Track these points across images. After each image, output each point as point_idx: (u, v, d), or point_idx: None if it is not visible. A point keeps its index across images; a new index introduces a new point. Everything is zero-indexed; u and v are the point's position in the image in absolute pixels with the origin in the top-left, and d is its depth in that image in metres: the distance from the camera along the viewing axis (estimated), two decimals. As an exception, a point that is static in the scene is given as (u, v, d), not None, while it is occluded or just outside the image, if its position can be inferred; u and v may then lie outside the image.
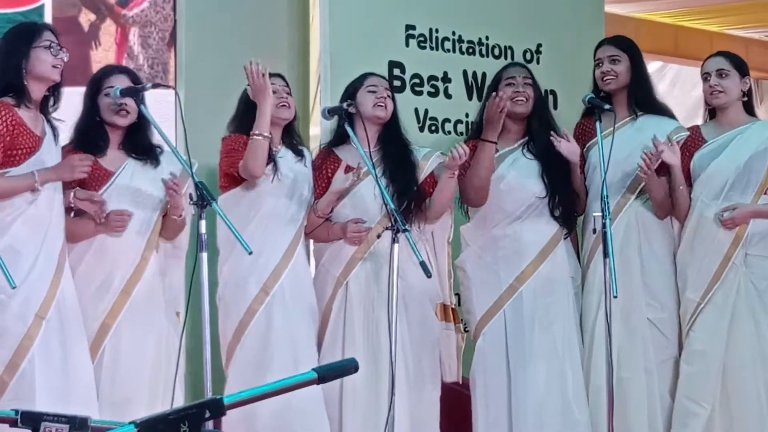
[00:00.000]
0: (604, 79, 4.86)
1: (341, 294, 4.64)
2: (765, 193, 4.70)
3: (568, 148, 4.76)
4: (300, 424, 4.42)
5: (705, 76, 4.81)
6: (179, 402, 4.21)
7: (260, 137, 4.35)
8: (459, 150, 4.50)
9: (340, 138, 4.71)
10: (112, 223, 4.22)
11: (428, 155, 4.81)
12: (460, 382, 4.88)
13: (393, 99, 4.77)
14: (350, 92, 4.73)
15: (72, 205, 4.21)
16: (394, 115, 4.77)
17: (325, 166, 4.73)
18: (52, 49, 4.09)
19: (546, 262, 4.77)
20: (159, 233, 4.40)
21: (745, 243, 4.68)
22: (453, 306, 4.87)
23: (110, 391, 4.20)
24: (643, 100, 4.89)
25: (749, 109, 4.84)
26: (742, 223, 4.67)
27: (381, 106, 4.68)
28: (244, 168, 4.41)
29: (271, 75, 4.61)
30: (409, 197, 4.65)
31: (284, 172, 4.53)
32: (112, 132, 4.37)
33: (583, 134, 4.99)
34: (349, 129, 4.50)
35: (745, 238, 4.67)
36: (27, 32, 4.15)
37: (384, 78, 4.87)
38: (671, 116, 4.96)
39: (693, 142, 4.85)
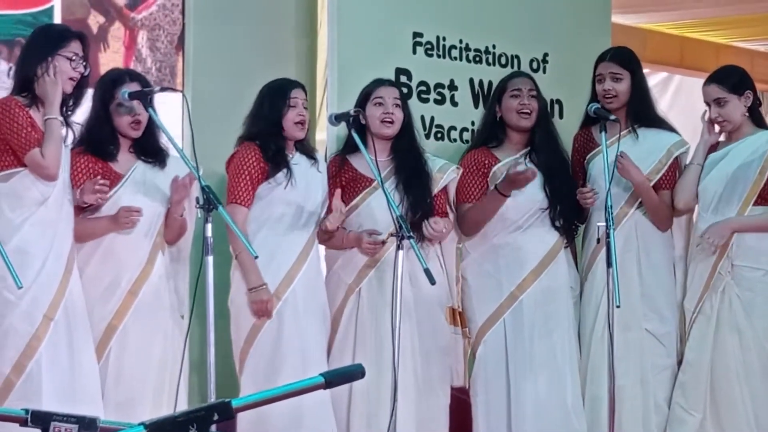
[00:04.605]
0: (606, 97, 4.85)
1: (353, 301, 4.65)
2: (754, 204, 4.72)
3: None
4: (309, 427, 4.43)
5: (707, 104, 4.82)
6: (182, 404, 4.22)
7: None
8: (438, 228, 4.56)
9: (353, 145, 4.66)
10: (121, 220, 4.21)
11: (444, 168, 4.80)
12: (467, 387, 4.89)
13: (405, 107, 4.76)
14: (361, 99, 4.73)
15: (82, 201, 4.20)
16: (408, 122, 4.76)
17: (339, 174, 4.72)
18: (73, 62, 4.10)
19: (546, 271, 4.78)
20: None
21: (731, 253, 4.70)
22: (460, 310, 4.89)
23: (115, 392, 4.21)
24: (643, 114, 4.89)
25: (758, 119, 4.84)
26: (723, 239, 4.68)
27: (387, 122, 4.67)
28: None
29: (294, 85, 4.61)
30: (424, 209, 4.65)
31: (298, 178, 4.53)
32: (123, 137, 4.38)
33: (584, 146, 5.01)
34: (356, 137, 4.46)
35: (731, 248, 4.69)
36: (56, 37, 4.16)
37: (394, 86, 4.84)
38: (672, 130, 4.96)
39: None
